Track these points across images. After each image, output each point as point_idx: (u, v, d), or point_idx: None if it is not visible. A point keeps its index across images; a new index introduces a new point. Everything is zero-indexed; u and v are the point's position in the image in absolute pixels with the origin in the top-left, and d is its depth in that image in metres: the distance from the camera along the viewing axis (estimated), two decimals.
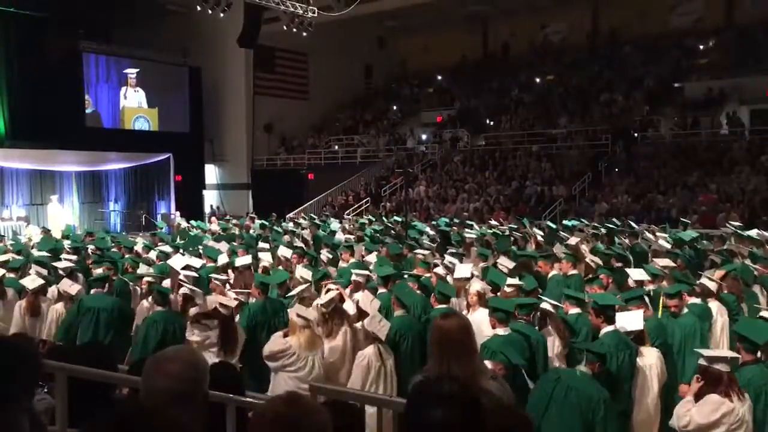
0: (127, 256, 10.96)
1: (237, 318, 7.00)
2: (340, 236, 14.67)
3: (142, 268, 9.78)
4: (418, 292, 7.56)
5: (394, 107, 32.93)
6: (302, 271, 8.63)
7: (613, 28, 29.88)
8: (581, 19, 31.01)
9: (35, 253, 11.95)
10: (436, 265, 9.18)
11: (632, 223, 15.40)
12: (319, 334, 6.38)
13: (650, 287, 7.75)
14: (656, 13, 28.37)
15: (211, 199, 30.36)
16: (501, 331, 5.86)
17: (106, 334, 7.28)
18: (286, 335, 5.98)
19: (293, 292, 7.61)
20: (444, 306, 6.79)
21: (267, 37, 27.08)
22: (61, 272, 8.80)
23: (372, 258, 10.15)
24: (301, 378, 5.84)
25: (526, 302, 6.47)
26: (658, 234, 13.23)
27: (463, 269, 8.39)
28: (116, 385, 3.21)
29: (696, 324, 6.51)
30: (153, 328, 6.61)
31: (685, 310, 6.73)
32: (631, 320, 5.70)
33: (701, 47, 27.26)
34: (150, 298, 7.59)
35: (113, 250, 11.95)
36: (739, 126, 22.48)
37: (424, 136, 29.69)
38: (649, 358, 5.55)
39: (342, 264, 10.47)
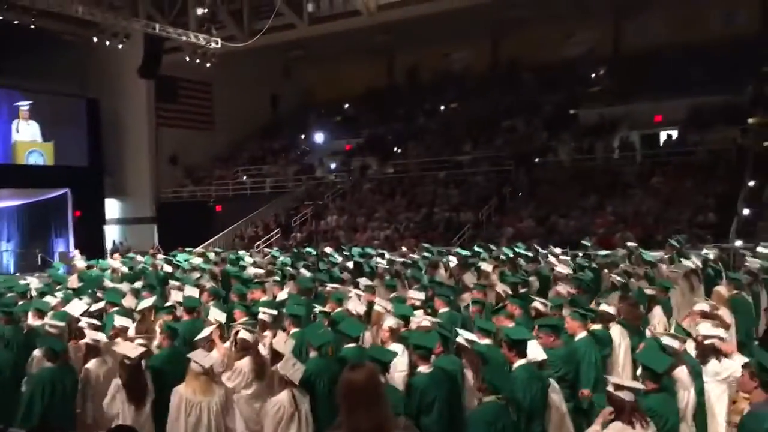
0: (21, 302, 10.27)
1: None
2: (251, 270, 14.34)
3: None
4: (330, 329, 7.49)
5: (302, 136, 32.84)
6: (215, 312, 8.32)
7: (512, 56, 31.01)
8: (482, 47, 32.04)
9: None
10: (349, 299, 9.16)
11: (537, 247, 15.85)
12: (217, 380, 6.23)
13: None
14: (552, 42, 29.61)
15: (113, 234, 29.20)
16: (424, 368, 5.90)
17: (11, 393, 6.89)
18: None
19: (201, 335, 7.38)
20: (353, 345, 6.76)
21: (169, 67, 26.51)
22: None
23: (283, 295, 9.99)
24: (194, 425, 5.73)
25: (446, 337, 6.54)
26: (561, 258, 13.70)
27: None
28: None
29: (579, 352, 6.68)
30: (39, 389, 6.20)
31: (583, 334, 6.93)
32: (534, 350, 5.86)
33: (593, 75, 28.70)
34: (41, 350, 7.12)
35: (8, 295, 11.19)
36: (631, 150, 23.72)
37: (333, 165, 29.72)
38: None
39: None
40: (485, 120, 28.40)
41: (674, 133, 24.04)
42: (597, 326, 7.17)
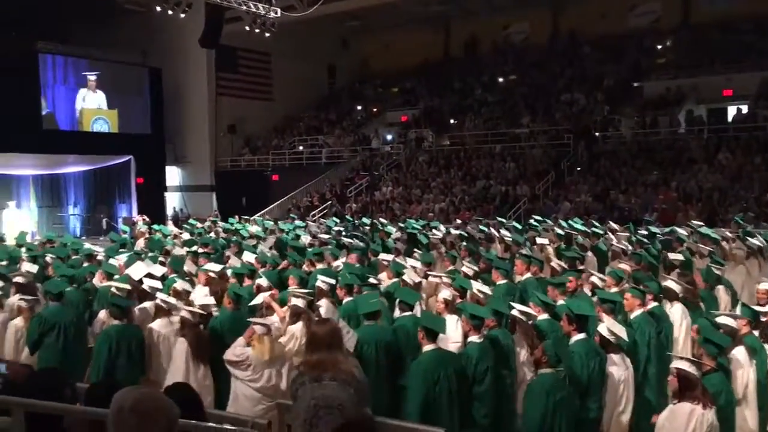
0: (86, 264, 10.65)
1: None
2: (305, 239, 14.51)
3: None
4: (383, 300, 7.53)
5: (358, 107, 32.85)
6: (265, 280, 8.45)
7: (573, 28, 30.23)
8: (542, 19, 31.32)
9: None
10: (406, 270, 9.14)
11: (595, 223, 15.52)
12: (282, 343, 6.35)
13: (614, 289, 7.83)
14: (615, 13, 28.77)
15: (173, 201, 29.94)
16: (475, 338, 5.89)
17: (74, 350, 7.18)
18: (248, 343, 5.96)
19: (256, 300, 7.50)
20: (408, 313, 6.77)
21: (229, 37, 26.77)
22: (13, 284, 8.50)
23: (338, 264, 10.07)
24: (258, 389, 5.89)
25: (500, 310, 6.50)
26: (618, 234, 13.39)
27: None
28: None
29: (633, 328, 6.53)
30: (106, 345, 6.47)
31: (640, 312, 6.76)
32: (615, 327, 5.74)
33: (659, 47, 27.74)
34: (107, 310, 7.37)
35: (74, 257, 11.62)
36: (697, 125, 22.91)
37: (389, 137, 29.68)
38: (621, 366, 5.60)
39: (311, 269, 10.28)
40: (544, 93, 27.85)
41: (744, 108, 23.12)
42: (655, 304, 6.98)
